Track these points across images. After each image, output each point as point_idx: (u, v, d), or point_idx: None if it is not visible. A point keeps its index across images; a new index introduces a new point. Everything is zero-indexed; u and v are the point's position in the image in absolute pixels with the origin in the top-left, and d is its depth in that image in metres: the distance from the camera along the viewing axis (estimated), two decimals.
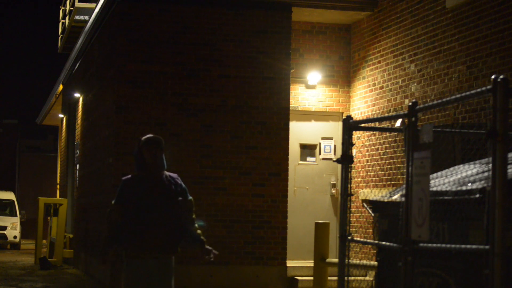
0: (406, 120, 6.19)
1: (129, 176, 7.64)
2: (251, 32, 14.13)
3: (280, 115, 14.12)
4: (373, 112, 14.21)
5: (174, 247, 7.52)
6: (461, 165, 7.18)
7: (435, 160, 6.54)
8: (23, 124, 53.07)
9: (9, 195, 34.00)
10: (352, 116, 12.18)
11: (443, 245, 5.77)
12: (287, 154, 14.17)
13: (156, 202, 7.47)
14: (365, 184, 14.35)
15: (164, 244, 7.47)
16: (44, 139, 51.18)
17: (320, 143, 15.14)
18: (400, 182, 12.79)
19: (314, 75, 15.00)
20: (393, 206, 6.81)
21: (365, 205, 13.89)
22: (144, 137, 7.58)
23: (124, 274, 7.55)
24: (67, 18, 23.38)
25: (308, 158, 15.16)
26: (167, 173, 7.58)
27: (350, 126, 7.24)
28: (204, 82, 13.97)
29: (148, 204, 7.46)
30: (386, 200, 7.21)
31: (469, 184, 6.08)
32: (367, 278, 13.09)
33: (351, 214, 7.52)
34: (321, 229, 10.99)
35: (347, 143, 7.24)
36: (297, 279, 13.93)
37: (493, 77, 5.15)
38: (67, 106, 23.14)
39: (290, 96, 14.40)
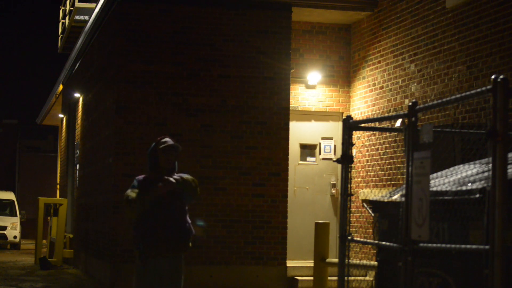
0: (406, 120, 6.19)
1: (142, 176, 7.78)
2: (251, 32, 14.12)
3: (280, 115, 14.12)
4: (373, 112, 14.21)
5: (185, 245, 7.64)
6: (461, 165, 7.18)
7: (435, 160, 6.54)
8: (23, 124, 53.06)
9: (9, 195, 33.99)
10: (352, 116, 12.18)
11: (443, 245, 5.77)
12: (287, 154, 14.16)
13: (166, 203, 7.58)
14: (365, 184, 14.35)
15: (175, 244, 7.58)
16: (44, 139, 51.17)
17: (320, 143, 15.14)
18: (400, 182, 12.79)
19: (314, 75, 14.99)
20: (393, 206, 6.81)
21: (365, 205, 13.88)
22: (163, 140, 7.67)
23: (136, 273, 7.64)
24: (67, 18, 23.38)
25: (308, 158, 15.16)
26: (176, 174, 7.71)
27: (350, 126, 7.24)
28: (204, 82, 13.97)
29: (158, 204, 7.57)
30: (386, 200, 7.21)
31: (469, 184, 6.08)
32: (367, 278, 13.09)
33: (351, 214, 7.52)
34: (321, 229, 10.99)
35: (347, 143, 7.25)
36: (297, 279, 13.92)
37: (493, 77, 5.15)
38: (67, 106, 23.14)
39: (290, 96, 14.40)
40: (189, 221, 7.73)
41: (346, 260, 7.19)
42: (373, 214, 11.45)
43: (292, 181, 14.84)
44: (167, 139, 7.73)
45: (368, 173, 14.27)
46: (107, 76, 15.03)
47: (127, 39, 13.84)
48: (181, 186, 7.59)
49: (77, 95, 19.99)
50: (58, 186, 26.33)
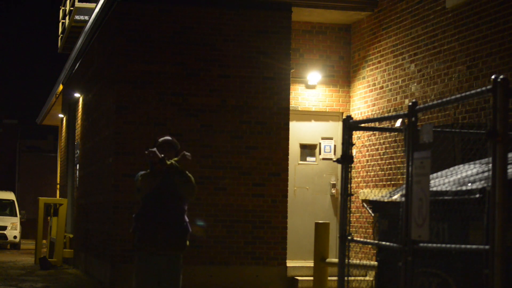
0: (406, 120, 6.19)
1: (143, 171, 7.93)
2: (251, 32, 14.12)
3: (280, 115, 14.12)
4: (373, 112, 14.21)
5: (182, 244, 7.80)
6: (461, 165, 7.18)
7: (435, 160, 6.54)
8: (23, 124, 53.05)
9: (9, 195, 33.97)
10: (352, 116, 12.18)
11: (443, 245, 5.77)
12: (287, 154, 14.16)
13: (166, 201, 7.75)
14: (365, 184, 14.34)
15: (173, 242, 7.72)
16: (44, 139, 51.18)
17: (320, 143, 15.14)
18: (400, 182, 12.79)
19: (314, 75, 14.99)
20: (393, 206, 6.82)
21: (365, 205, 13.88)
22: (161, 139, 7.96)
23: (135, 269, 7.76)
24: (67, 18, 23.38)
25: (308, 158, 15.15)
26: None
27: (350, 126, 7.24)
28: (204, 82, 13.96)
29: (158, 202, 7.73)
30: (386, 200, 7.21)
31: (469, 184, 6.08)
32: (367, 278, 13.09)
33: (351, 214, 7.52)
34: (321, 229, 10.99)
35: (347, 143, 7.25)
36: (297, 279, 13.92)
37: (493, 77, 5.15)
38: (67, 106, 23.15)
39: (290, 96, 14.40)
40: (187, 220, 7.88)
41: (346, 260, 7.19)
42: (373, 214, 11.46)
43: (292, 181, 14.83)
44: (166, 137, 8.01)
45: (368, 173, 14.27)
46: (107, 76, 15.03)
47: (127, 39, 13.84)
48: (178, 173, 7.78)
49: (77, 95, 19.99)
50: (58, 186, 26.33)
